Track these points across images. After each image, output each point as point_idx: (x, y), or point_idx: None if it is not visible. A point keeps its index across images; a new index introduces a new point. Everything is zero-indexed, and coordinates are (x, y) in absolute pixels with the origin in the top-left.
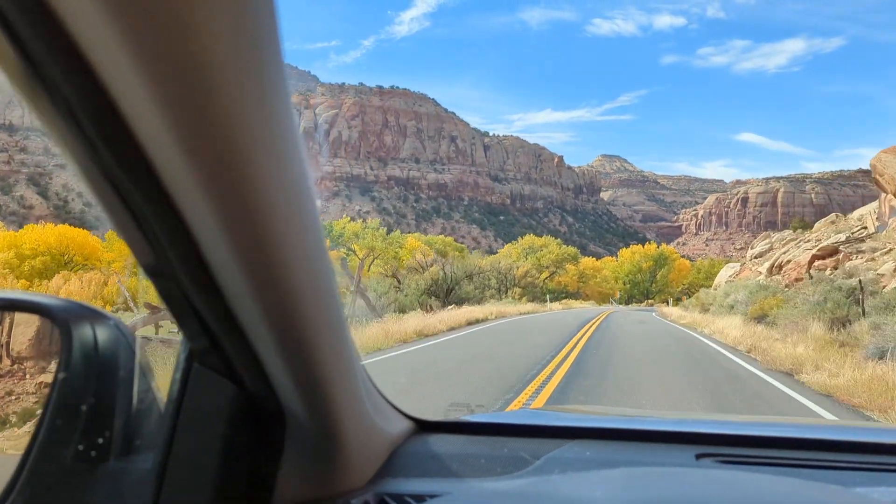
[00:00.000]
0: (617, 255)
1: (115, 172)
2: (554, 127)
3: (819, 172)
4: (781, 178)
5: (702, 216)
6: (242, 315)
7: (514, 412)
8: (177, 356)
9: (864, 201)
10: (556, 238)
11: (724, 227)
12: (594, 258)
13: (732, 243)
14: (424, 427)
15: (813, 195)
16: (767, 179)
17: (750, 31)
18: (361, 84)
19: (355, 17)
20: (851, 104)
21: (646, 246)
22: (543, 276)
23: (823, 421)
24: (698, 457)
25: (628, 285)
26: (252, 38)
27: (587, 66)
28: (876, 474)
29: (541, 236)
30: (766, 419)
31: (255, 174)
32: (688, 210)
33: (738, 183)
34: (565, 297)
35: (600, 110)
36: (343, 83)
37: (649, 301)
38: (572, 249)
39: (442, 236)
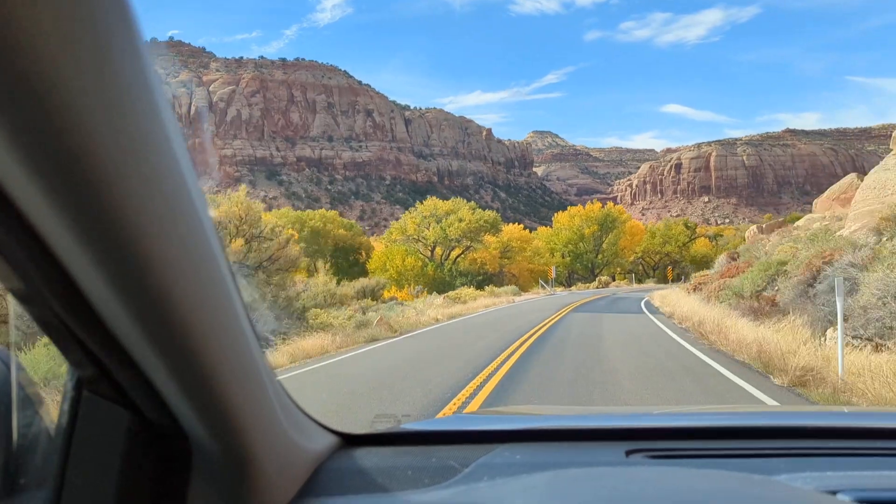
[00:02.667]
0: (552, 223)
1: None
2: (485, 108)
3: (747, 136)
4: (712, 142)
5: (636, 186)
6: (127, 341)
7: (444, 419)
8: (64, 384)
9: (794, 160)
10: (469, 202)
11: (660, 196)
12: (523, 227)
13: (669, 211)
14: (350, 441)
15: (745, 157)
16: (699, 144)
17: (669, 3)
18: (262, 57)
19: (275, 7)
20: (769, 71)
21: (587, 206)
22: (454, 254)
23: (752, 407)
24: (628, 453)
25: (568, 258)
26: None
27: (513, 46)
28: (799, 460)
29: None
30: (696, 409)
31: (116, 183)
32: (622, 181)
33: (669, 151)
34: (481, 283)
35: (529, 89)
36: (241, 57)
37: (600, 279)
38: (490, 214)
39: (323, 210)
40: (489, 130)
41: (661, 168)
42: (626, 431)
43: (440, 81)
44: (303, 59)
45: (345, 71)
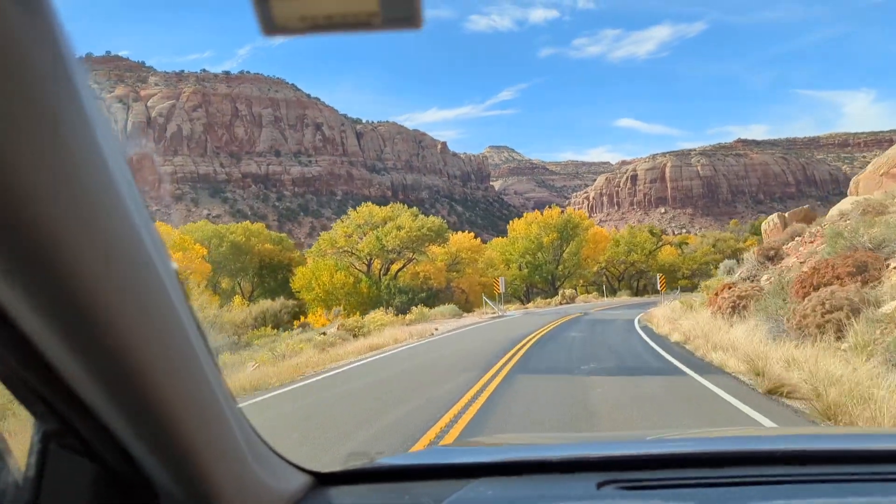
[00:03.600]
0: (507, 233)
1: None
2: (442, 125)
3: (700, 146)
4: (667, 153)
5: (593, 198)
6: (85, 395)
7: (419, 452)
8: (31, 437)
9: (747, 170)
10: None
11: (617, 207)
12: (474, 235)
13: (626, 223)
14: (323, 480)
15: (699, 168)
16: (654, 156)
17: (620, 19)
18: (204, 70)
19: (228, 26)
20: (718, 85)
21: (545, 212)
22: (395, 268)
23: (728, 432)
24: (599, 485)
25: (526, 270)
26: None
27: (469, 63)
28: (772, 488)
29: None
30: (671, 435)
31: (64, 240)
32: (579, 193)
33: (624, 163)
34: (426, 300)
35: (485, 105)
36: (182, 70)
37: (564, 293)
38: (435, 221)
39: (247, 223)
40: (444, 144)
41: (617, 180)
42: (597, 462)
43: (396, 99)
44: (247, 73)
45: (292, 84)
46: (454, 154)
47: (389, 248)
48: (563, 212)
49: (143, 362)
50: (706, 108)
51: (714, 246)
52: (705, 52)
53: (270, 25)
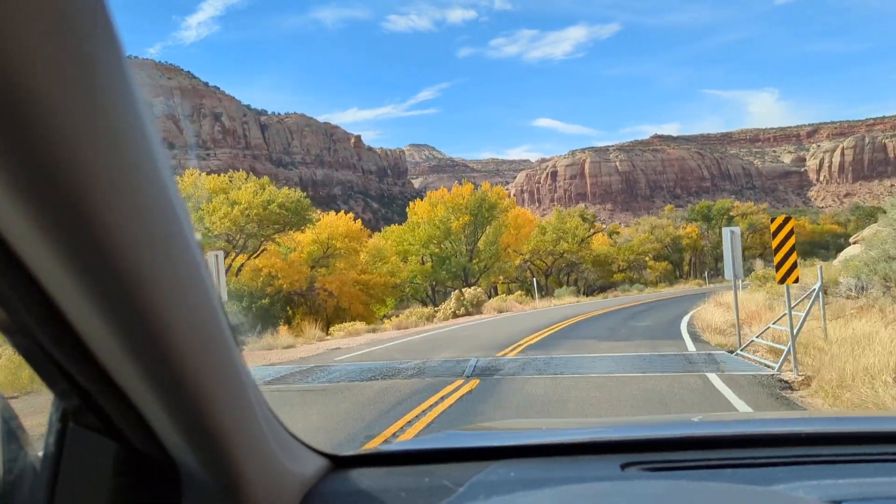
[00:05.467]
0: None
1: None
2: (362, 125)
3: (617, 143)
4: (586, 149)
5: (514, 195)
6: (117, 374)
7: (436, 436)
8: (49, 417)
9: (664, 165)
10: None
11: (538, 204)
12: (353, 216)
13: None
14: (340, 463)
15: (618, 163)
16: (573, 152)
17: (536, 20)
18: None
19: (136, 25)
20: (632, 85)
21: (455, 189)
22: (238, 263)
23: (746, 415)
24: (623, 466)
25: (429, 263)
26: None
27: (388, 63)
28: (799, 468)
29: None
30: (690, 418)
31: (107, 212)
32: (509, 199)
33: (544, 161)
34: (264, 313)
35: (406, 105)
36: None
37: (462, 295)
38: (291, 195)
39: None
40: (358, 137)
41: (537, 176)
42: (620, 444)
43: (315, 98)
44: (135, 57)
45: (188, 71)
46: (369, 149)
47: (216, 232)
48: (476, 189)
49: (178, 339)
50: (622, 108)
51: (651, 233)
52: (619, 53)
53: None
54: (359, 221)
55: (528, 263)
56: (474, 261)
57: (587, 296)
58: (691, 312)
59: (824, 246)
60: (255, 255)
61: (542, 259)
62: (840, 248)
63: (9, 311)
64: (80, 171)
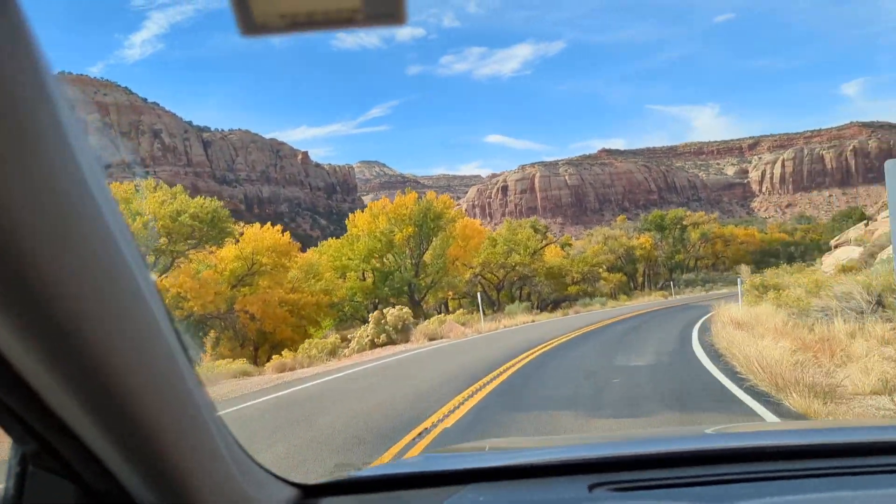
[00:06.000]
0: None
1: None
2: (312, 143)
3: (567, 157)
4: (536, 163)
5: (465, 210)
6: (67, 417)
7: (406, 461)
8: (8, 461)
9: (612, 178)
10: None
11: (489, 219)
12: (281, 229)
13: None
14: (310, 492)
15: (567, 177)
16: (523, 167)
17: (484, 38)
18: None
19: (76, 44)
20: (579, 101)
21: (398, 198)
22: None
23: (716, 429)
24: (591, 487)
25: (370, 279)
26: None
27: (338, 81)
28: (762, 484)
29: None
30: (662, 434)
31: (42, 253)
32: (457, 210)
33: (495, 176)
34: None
35: (356, 123)
36: None
37: (382, 319)
38: (207, 206)
39: None
40: (305, 154)
41: (488, 191)
42: (589, 464)
43: (264, 116)
44: (68, 73)
45: (125, 87)
46: (317, 165)
47: None
48: (421, 197)
49: (120, 375)
50: (570, 123)
51: (605, 244)
52: (567, 70)
53: (250, 25)
54: (287, 234)
55: (479, 277)
56: (420, 276)
57: (543, 310)
58: (697, 336)
59: (774, 254)
60: (164, 274)
61: (494, 272)
62: (790, 257)
63: None
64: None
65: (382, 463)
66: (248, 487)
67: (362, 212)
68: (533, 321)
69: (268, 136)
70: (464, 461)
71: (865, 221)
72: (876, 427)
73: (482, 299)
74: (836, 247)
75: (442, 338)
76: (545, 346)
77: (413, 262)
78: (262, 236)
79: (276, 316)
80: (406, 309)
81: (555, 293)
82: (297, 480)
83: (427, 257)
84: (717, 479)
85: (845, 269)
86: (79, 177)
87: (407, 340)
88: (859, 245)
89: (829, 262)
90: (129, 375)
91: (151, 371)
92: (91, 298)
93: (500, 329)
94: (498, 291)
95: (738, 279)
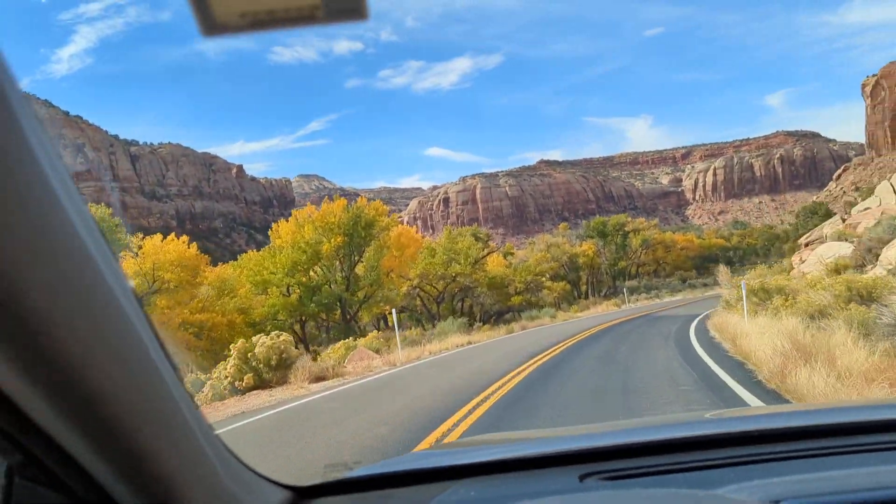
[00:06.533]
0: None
1: None
2: (250, 158)
3: (506, 169)
4: (476, 175)
5: (407, 222)
6: (51, 428)
7: (397, 459)
8: None
9: (551, 189)
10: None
11: (431, 231)
12: (186, 239)
13: None
14: (303, 494)
15: (507, 188)
16: (464, 178)
17: (422, 52)
18: None
19: None
20: (517, 113)
21: (324, 205)
22: None
23: (707, 414)
24: (582, 477)
25: (295, 295)
26: None
27: (275, 95)
28: (748, 468)
29: (225, 261)
30: (649, 422)
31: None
32: (392, 216)
33: (436, 188)
34: None
35: (294, 137)
36: None
37: (268, 339)
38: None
39: None
40: (240, 167)
41: (429, 203)
42: (579, 455)
43: (200, 131)
44: None
45: (45, 100)
46: (252, 179)
47: None
48: (351, 204)
49: (102, 385)
50: (509, 135)
51: (548, 251)
52: (504, 83)
53: (210, 24)
54: (194, 246)
55: (417, 290)
56: (353, 290)
57: (486, 323)
58: (718, 370)
59: (713, 259)
60: None
61: (433, 284)
62: (729, 261)
63: None
64: None
65: (376, 463)
66: (240, 493)
67: (285, 221)
68: (469, 343)
69: (207, 150)
70: (455, 457)
71: (842, 218)
72: (862, 406)
73: (398, 321)
74: (806, 245)
75: (336, 377)
76: (478, 409)
77: (344, 274)
78: (164, 249)
79: (179, 340)
80: (284, 336)
81: (497, 304)
82: (288, 483)
83: (360, 269)
84: (706, 465)
85: (838, 268)
86: (51, 193)
87: (286, 381)
88: (845, 240)
89: (812, 260)
90: (109, 385)
91: (133, 379)
92: (66, 309)
93: (423, 359)
94: (438, 304)
95: (742, 283)
